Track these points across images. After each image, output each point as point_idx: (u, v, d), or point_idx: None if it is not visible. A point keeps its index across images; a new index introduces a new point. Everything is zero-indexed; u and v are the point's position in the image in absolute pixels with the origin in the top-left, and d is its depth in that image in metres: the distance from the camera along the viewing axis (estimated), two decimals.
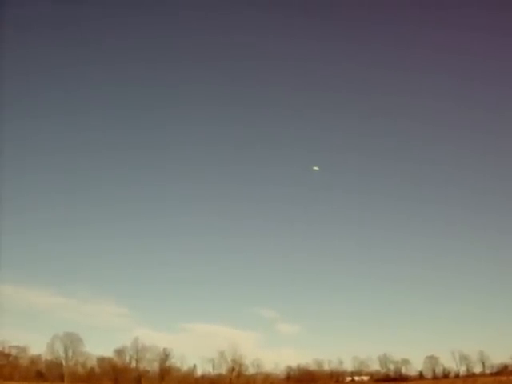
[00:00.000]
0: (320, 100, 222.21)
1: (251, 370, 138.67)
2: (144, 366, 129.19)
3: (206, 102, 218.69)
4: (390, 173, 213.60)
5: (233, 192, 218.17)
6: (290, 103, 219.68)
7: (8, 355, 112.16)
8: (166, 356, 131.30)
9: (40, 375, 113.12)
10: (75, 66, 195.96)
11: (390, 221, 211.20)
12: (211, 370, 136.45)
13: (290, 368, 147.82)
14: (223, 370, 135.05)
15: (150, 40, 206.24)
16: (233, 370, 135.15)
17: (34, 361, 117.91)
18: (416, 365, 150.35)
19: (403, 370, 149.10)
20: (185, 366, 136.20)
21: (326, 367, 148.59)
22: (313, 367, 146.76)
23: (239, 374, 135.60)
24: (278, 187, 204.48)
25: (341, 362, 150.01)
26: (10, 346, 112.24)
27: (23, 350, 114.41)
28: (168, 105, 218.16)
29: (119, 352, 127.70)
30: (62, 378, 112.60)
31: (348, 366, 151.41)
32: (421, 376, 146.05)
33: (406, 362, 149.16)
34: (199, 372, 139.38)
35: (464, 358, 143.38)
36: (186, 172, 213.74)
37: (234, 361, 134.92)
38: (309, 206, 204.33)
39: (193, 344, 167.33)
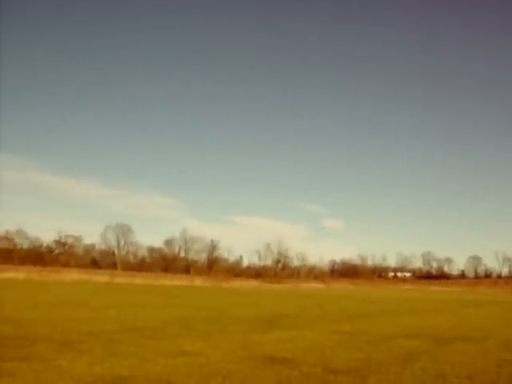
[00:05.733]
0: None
1: (296, 263, 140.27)
2: (192, 256, 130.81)
3: None
4: None
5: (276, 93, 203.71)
6: None
7: (64, 244, 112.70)
8: (213, 247, 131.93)
9: (94, 263, 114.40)
10: None
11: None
12: (257, 262, 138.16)
13: (333, 262, 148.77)
14: (269, 262, 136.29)
15: None
16: (278, 262, 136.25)
17: (88, 250, 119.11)
18: (459, 264, 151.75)
19: (445, 269, 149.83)
20: (231, 257, 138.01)
21: (370, 262, 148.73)
22: (356, 262, 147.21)
23: (284, 266, 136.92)
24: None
25: (384, 258, 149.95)
26: (66, 236, 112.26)
27: (78, 239, 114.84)
28: None
29: (168, 242, 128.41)
30: (114, 265, 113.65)
31: (391, 262, 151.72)
32: (463, 275, 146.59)
33: (448, 260, 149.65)
34: (245, 263, 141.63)
35: (507, 260, 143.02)
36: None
37: (279, 253, 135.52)
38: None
39: (239, 236, 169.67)
